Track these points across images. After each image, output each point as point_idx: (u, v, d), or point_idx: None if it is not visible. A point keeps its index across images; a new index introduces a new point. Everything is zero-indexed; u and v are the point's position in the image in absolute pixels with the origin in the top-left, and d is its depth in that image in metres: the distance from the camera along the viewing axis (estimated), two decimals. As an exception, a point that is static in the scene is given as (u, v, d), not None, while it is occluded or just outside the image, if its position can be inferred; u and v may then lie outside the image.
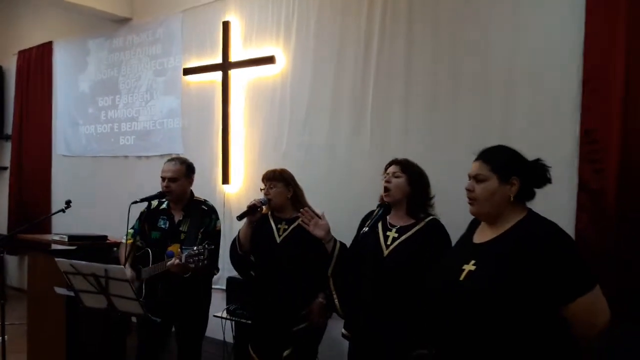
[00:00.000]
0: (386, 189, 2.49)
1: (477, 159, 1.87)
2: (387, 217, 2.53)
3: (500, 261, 1.69)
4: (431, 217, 2.48)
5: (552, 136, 2.84)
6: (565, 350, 1.69)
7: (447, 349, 1.77)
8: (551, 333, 1.66)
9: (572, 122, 2.80)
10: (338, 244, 2.70)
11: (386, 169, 2.58)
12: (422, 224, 2.44)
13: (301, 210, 2.74)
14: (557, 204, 2.59)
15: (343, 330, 2.62)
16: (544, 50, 2.92)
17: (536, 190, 1.83)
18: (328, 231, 2.68)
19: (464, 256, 1.81)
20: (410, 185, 2.48)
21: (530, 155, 1.87)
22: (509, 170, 1.79)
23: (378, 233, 2.48)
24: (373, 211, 2.61)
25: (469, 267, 1.74)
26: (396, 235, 2.43)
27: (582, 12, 2.77)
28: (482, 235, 1.85)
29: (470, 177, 1.87)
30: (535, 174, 1.80)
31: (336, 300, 2.70)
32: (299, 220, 2.81)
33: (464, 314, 1.70)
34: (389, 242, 2.43)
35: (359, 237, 2.54)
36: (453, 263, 1.83)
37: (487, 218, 1.85)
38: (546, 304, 1.64)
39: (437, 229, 2.44)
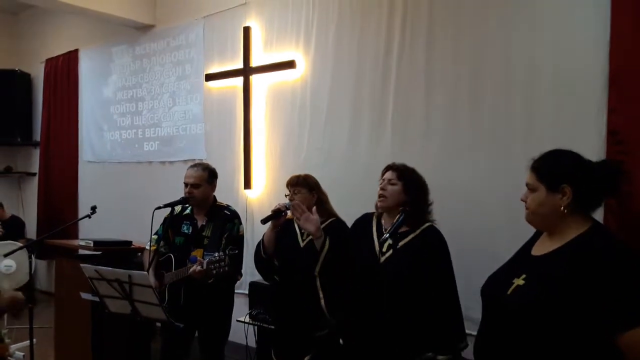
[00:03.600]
0: (381, 196, 2.47)
1: (530, 167, 1.73)
2: (382, 223, 2.51)
3: (550, 278, 1.57)
4: (428, 224, 2.44)
5: (577, 138, 2.77)
6: None
7: None
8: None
9: (597, 123, 2.73)
10: (327, 242, 2.65)
11: (383, 174, 2.55)
12: (418, 231, 2.41)
13: (292, 203, 2.72)
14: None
15: (340, 340, 2.59)
16: (568, 52, 2.87)
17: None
18: (318, 227, 2.63)
19: (518, 269, 1.70)
20: (406, 193, 2.44)
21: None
22: (558, 179, 1.63)
23: (373, 240, 2.45)
24: (367, 214, 2.61)
25: (519, 281, 1.64)
26: (391, 242, 2.35)
27: (607, 12, 2.70)
28: (541, 246, 1.72)
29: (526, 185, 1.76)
30: (597, 180, 1.62)
31: (322, 301, 2.65)
32: (333, 220, 2.84)
33: (507, 329, 1.62)
34: (384, 250, 2.39)
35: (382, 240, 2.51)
36: (505, 275, 1.73)
37: (540, 227, 1.75)
38: (595, 331, 1.49)
39: (433, 236, 2.40)
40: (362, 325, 2.40)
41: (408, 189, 2.45)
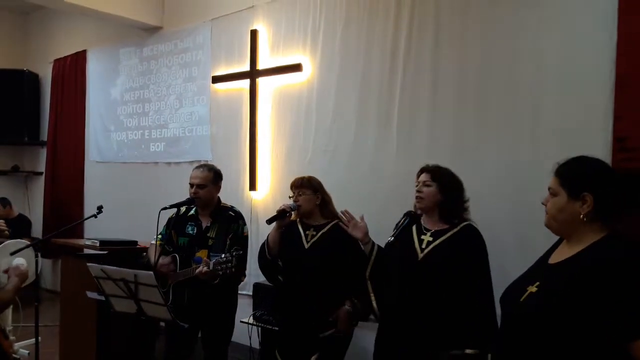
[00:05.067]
0: (418, 197, 2.54)
1: (554, 171, 1.70)
2: (422, 221, 2.58)
3: (560, 285, 1.55)
4: (466, 222, 2.50)
5: (582, 143, 2.76)
6: None
7: None
8: None
9: (603, 129, 2.73)
10: (376, 247, 2.71)
11: (418, 176, 2.61)
12: (456, 229, 2.48)
13: (341, 210, 2.79)
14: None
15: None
16: (574, 56, 2.87)
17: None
18: (366, 233, 2.69)
19: (534, 277, 1.69)
20: (442, 193, 2.51)
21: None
22: (580, 186, 1.60)
23: (412, 237, 2.51)
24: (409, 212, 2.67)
25: (532, 288, 1.62)
26: (431, 239, 2.48)
27: (614, 17, 2.71)
28: (558, 254, 1.70)
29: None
30: (620, 191, 1.60)
31: (374, 302, 2.70)
32: (337, 222, 2.85)
33: (519, 336, 1.61)
34: (423, 246, 2.47)
35: (388, 243, 2.57)
36: (522, 283, 1.71)
37: (558, 233, 1.72)
38: (606, 339, 1.47)
39: (472, 234, 2.47)
40: (400, 320, 2.46)
41: (443, 189, 2.51)
